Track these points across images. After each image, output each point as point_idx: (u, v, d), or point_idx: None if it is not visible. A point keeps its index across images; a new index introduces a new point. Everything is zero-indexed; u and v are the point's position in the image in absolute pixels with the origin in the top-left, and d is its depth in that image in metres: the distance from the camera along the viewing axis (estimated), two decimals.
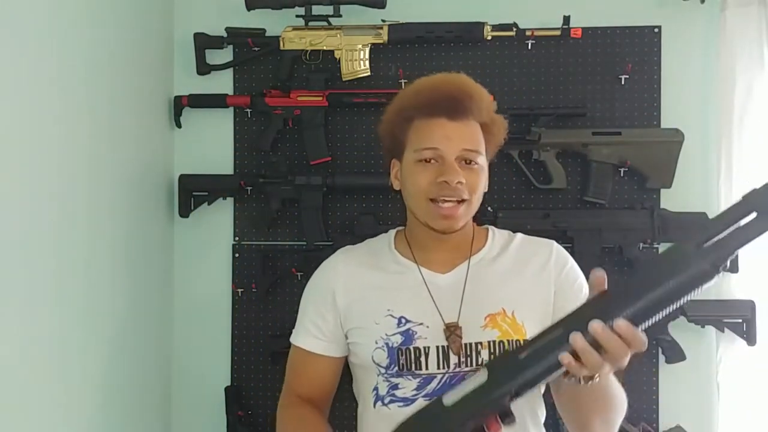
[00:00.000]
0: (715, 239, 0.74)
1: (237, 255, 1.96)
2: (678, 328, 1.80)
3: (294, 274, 1.91)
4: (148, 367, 1.82)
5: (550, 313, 1.15)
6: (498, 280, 1.17)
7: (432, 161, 1.12)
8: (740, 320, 1.77)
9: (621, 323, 0.77)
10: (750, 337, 1.76)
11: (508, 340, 1.11)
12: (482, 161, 1.15)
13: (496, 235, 1.24)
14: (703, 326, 1.80)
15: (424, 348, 1.12)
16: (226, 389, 1.93)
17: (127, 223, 1.68)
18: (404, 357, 1.12)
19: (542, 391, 1.20)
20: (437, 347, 1.12)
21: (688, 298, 0.75)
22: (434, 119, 1.12)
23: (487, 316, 1.13)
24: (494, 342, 1.11)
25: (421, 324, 1.13)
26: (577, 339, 0.78)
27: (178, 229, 1.97)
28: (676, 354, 1.80)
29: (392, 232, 1.27)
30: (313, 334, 1.22)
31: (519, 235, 1.25)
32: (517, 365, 0.81)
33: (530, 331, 1.13)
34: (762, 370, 1.77)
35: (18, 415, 1.22)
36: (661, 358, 1.82)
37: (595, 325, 0.77)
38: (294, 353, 1.25)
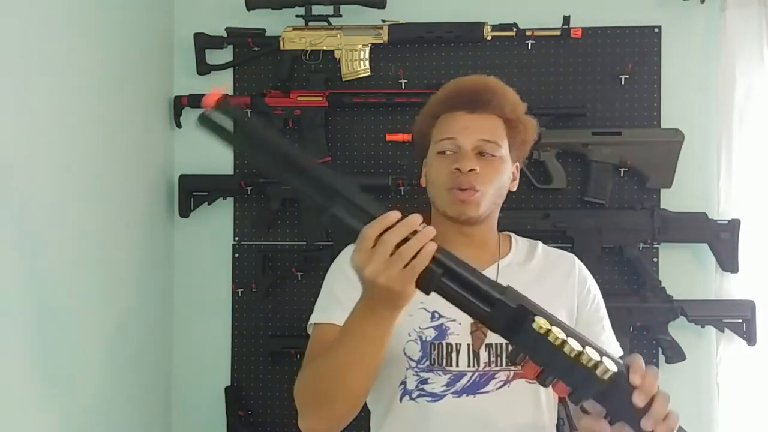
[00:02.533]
0: None
1: (237, 255, 1.96)
2: (678, 328, 1.80)
3: (294, 274, 1.91)
4: (148, 367, 1.82)
5: (574, 322, 1.15)
6: (524, 285, 1.15)
7: (451, 152, 1.14)
8: (740, 320, 1.77)
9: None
10: (750, 337, 1.76)
11: None
12: (501, 154, 1.15)
13: (519, 242, 1.25)
14: (703, 326, 1.80)
15: (456, 344, 1.12)
16: (226, 389, 1.93)
17: (128, 223, 1.68)
18: (437, 352, 1.12)
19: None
20: (468, 345, 1.13)
21: None
22: (455, 112, 1.15)
23: None
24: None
25: (454, 320, 1.13)
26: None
27: (178, 229, 1.97)
28: (676, 354, 1.80)
29: None
30: (349, 308, 1.09)
31: (540, 243, 1.26)
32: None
33: None
34: (762, 370, 1.77)
35: (18, 414, 1.22)
36: (661, 358, 1.82)
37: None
38: (323, 332, 1.13)
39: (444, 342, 1.13)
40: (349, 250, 1.22)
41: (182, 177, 1.93)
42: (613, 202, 1.85)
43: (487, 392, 1.11)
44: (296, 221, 1.93)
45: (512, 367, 1.10)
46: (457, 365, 1.12)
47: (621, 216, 1.81)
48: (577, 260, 1.24)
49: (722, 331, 1.79)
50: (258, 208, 1.94)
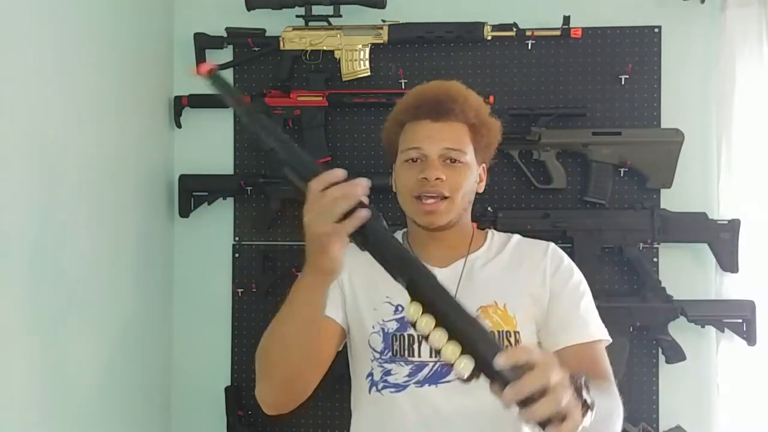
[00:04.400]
0: None
1: (237, 255, 1.96)
2: (678, 328, 1.80)
3: (294, 274, 1.90)
4: (148, 366, 1.82)
5: (545, 309, 1.18)
6: (492, 277, 1.21)
7: (417, 161, 1.18)
8: (740, 320, 1.77)
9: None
10: (750, 337, 1.76)
11: (498, 331, 1.15)
12: (467, 160, 1.18)
13: (495, 237, 1.28)
14: (703, 326, 1.80)
15: (418, 336, 1.15)
16: (226, 389, 1.93)
17: (128, 223, 1.68)
18: (398, 343, 1.17)
19: None
20: None
21: None
22: (420, 121, 1.18)
23: (479, 308, 1.16)
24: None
25: None
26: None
27: (178, 229, 1.97)
28: (676, 354, 1.80)
29: (399, 233, 1.32)
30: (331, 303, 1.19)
31: (516, 236, 1.28)
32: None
33: (522, 322, 1.17)
34: (762, 370, 1.77)
35: (18, 414, 1.22)
36: (661, 358, 1.82)
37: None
38: None
39: (405, 333, 1.17)
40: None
41: (182, 177, 1.93)
42: (613, 202, 1.85)
43: (448, 382, 1.14)
44: (296, 221, 1.92)
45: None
46: (419, 356, 1.16)
47: (621, 216, 1.81)
48: (551, 246, 1.24)
49: (722, 331, 1.79)
50: (258, 208, 1.94)
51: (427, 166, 1.15)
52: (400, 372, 1.16)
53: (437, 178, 1.14)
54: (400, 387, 1.16)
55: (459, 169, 1.17)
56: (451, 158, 1.17)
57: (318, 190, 0.84)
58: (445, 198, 1.15)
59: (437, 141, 1.16)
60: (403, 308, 1.17)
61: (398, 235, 1.31)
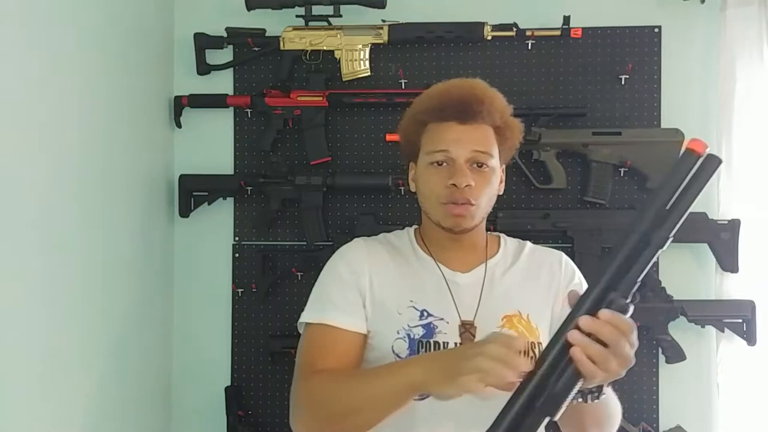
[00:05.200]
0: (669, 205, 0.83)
1: (237, 255, 1.96)
2: (678, 328, 1.80)
3: (294, 274, 1.91)
4: (148, 366, 1.82)
5: (558, 322, 1.14)
6: (514, 284, 1.19)
7: (443, 164, 1.15)
8: (740, 320, 1.77)
9: (603, 312, 0.83)
10: (750, 337, 1.76)
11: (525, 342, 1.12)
12: (493, 164, 1.16)
13: (508, 242, 1.27)
14: (703, 326, 1.81)
15: (444, 343, 1.13)
16: (226, 389, 1.93)
17: (128, 223, 1.68)
18: (424, 350, 1.13)
19: None
20: (455, 344, 1.13)
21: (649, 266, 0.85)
22: (445, 123, 1.15)
23: (504, 317, 1.14)
24: None
25: (442, 319, 1.14)
26: (576, 336, 0.82)
27: (178, 229, 1.97)
28: (676, 354, 1.80)
29: (410, 229, 1.29)
30: (342, 308, 1.16)
31: (528, 243, 1.27)
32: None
33: (543, 334, 1.16)
34: (762, 370, 1.77)
35: (19, 414, 1.22)
36: (661, 358, 1.82)
37: (582, 321, 0.83)
38: (318, 333, 1.14)
39: (432, 340, 1.13)
40: (343, 249, 1.25)
41: (182, 177, 1.93)
42: (613, 202, 1.85)
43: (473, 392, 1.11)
44: (296, 221, 1.93)
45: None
46: None
47: (621, 216, 1.81)
48: (563, 256, 1.25)
49: (722, 331, 1.79)
50: (258, 208, 1.94)
51: (456, 172, 1.12)
52: None
53: (467, 185, 1.12)
54: (424, 394, 1.09)
55: (486, 174, 1.15)
56: (478, 162, 1.14)
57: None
58: (473, 204, 1.13)
59: (465, 144, 1.13)
60: (428, 313, 1.15)
61: (410, 230, 1.28)
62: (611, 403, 1.08)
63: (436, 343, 1.13)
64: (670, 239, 0.84)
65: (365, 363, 1.17)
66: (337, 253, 1.23)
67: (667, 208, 0.84)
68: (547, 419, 0.84)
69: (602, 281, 0.86)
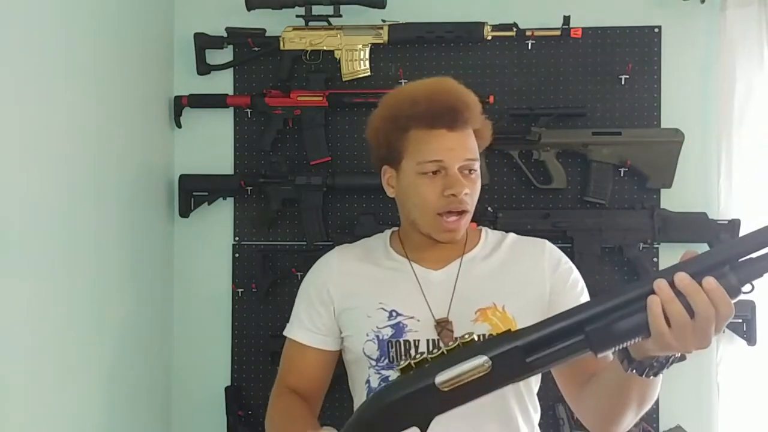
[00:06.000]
0: (747, 257, 0.73)
1: (237, 255, 1.96)
2: None
3: (294, 274, 1.91)
4: (148, 366, 1.82)
5: (546, 311, 1.15)
6: (489, 277, 1.19)
7: (436, 173, 1.13)
8: (740, 320, 1.76)
9: (709, 280, 0.73)
10: (750, 337, 1.76)
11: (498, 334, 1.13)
12: (478, 166, 1.17)
13: (489, 235, 1.26)
14: None
15: (414, 341, 1.14)
16: (226, 389, 1.93)
17: (128, 223, 1.68)
18: (394, 349, 1.15)
19: (536, 390, 1.20)
20: (427, 340, 1.13)
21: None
22: (434, 130, 1.13)
23: (478, 311, 1.14)
24: (485, 336, 1.10)
25: (412, 317, 1.15)
26: (662, 287, 0.74)
27: (178, 229, 1.97)
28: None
29: (388, 232, 1.30)
30: (306, 327, 1.23)
31: (511, 234, 1.26)
32: (522, 361, 0.79)
33: (522, 324, 1.12)
34: (762, 370, 1.77)
35: (17, 414, 1.22)
36: None
37: (679, 276, 0.74)
38: (288, 346, 1.26)
39: (401, 339, 1.15)
40: (314, 265, 1.28)
41: (182, 177, 1.93)
42: (613, 202, 1.85)
43: None
44: (296, 221, 1.93)
45: (472, 343, 1.11)
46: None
47: (621, 216, 1.81)
48: (547, 244, 1.23)
49: (722, 331, 1.78)
50: (258, 208, 1.94)
51: (454, 182, 1.11)
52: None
53: (465, 193, 1.12)
54: None
55: (474, 179, 1.15)
56: (469, 168, 1.14)
57: None
58: (465, 212, 1.13)
59: (459, 153, 1.12)
60: (397, 313, 1.15)
61: (386, 233, 1.29)
62: (653, 394, 0.97)
63: (406, 341, 1.14)
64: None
65: (346, 364, 1.25)
66: (313, 266, 1.29)
67: None
68: (587, 352, 0.77)
69: (728, 250, 0.75)
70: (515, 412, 1.15)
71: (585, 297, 1.19)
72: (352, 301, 1.20)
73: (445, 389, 0.80)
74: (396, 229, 1.29)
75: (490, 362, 0.79)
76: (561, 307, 1.15)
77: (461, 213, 1.13)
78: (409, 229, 1.21)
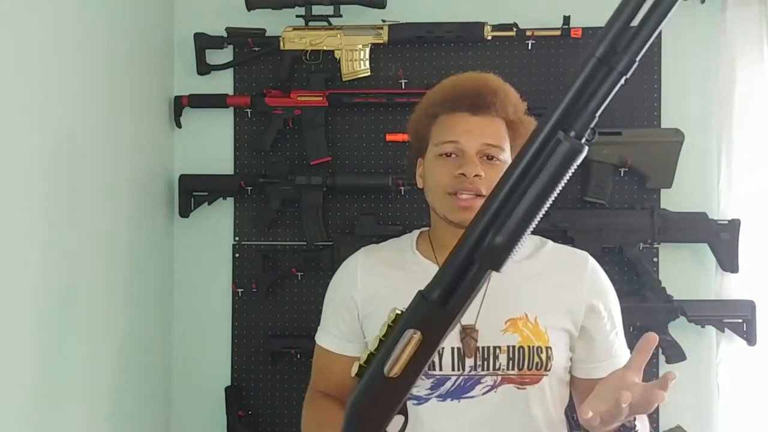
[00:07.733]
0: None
1: (237, 255, 1.96)
2: (678, 328, 1.80)
3: (294, 274, 1.91)
4: (148, 366, 1.82)
5: (579, 327, 1.12)
6: (522, 284, 1.12)
7: (453, 155, 1.11)
8: (740, 320, 1.77)
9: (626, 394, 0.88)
10: (750, 337, 1.76)
11: (529, 347, 1.08)
12: (505, 158, 1.11)
13: (525, 240, 1.22)
14: (703, 326, 1.80)
15: (439, 348, 1.11)
16: (226, 389, 1.93)
17: (128, 223, 1.68)
18: None
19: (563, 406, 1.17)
20: (452, 348, 1.08)
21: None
22: (456, 114, 1.12)
23: (508, 320, 1.10)
24: (514, 347, 1.08)
25: None
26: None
27: (178, 229, 1.97)
28: (676, 354, 1.80)
29: (416, 233, 1.25)
30: (332, 333, 1.21)
31: (550, 242, 1.20)
32: (443, 312, 0.83)
33: (554, 338, 1.10)
34: (762, 370, 1.77)
35: (17, 414, 1.22)
36: (661, 358, 1.82)
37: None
38: (317, 352, 1.24)
39: None
40: (340, 268, 1.25)
41: (182, 177, 1.93)
42: (613, 202, 1.85)
43: (472, 397, 1.08)
44: (296, 221, 1.93)
45: (499, 372, 1.08)
46: (441, 369, 1.09)
47: (621, 216, 1.81)
48: (590, 259, 1.18)
49: (722, 331, 1.79)
50: (258, 208, 1.94)
51: (465, 162, 1.08)
52: (421, 385, 1.09)
53: (476, 175, 1.07)
54: (421, 399, 1.10)
55: (497, 167, 1.08)
56: (489, 155, 1.09)
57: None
58: (482, 196, 1.06)
59: (476, 136, 1.09)
60: None
61: (413, 234, 1.25)
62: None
63: None
64: (636, 64, 0.73)
65: None
66: (338, 269, 1.26)
67: (633, 24, 0.71)
68: (490, 273, 0.83)
69: (553, 117, 0.77)
70: (540, 423, 1.11)
71: (620, 325, 1.15)
72: (375, 305, 1.15)
73: (398, 374, 0.84)
74: (425, 229, 1.25)
75: (418, 331, 0.83)
76: (597, 335, 1.12)
77: (476, 195, 1.07)
78: (436, 224, 1.18)
